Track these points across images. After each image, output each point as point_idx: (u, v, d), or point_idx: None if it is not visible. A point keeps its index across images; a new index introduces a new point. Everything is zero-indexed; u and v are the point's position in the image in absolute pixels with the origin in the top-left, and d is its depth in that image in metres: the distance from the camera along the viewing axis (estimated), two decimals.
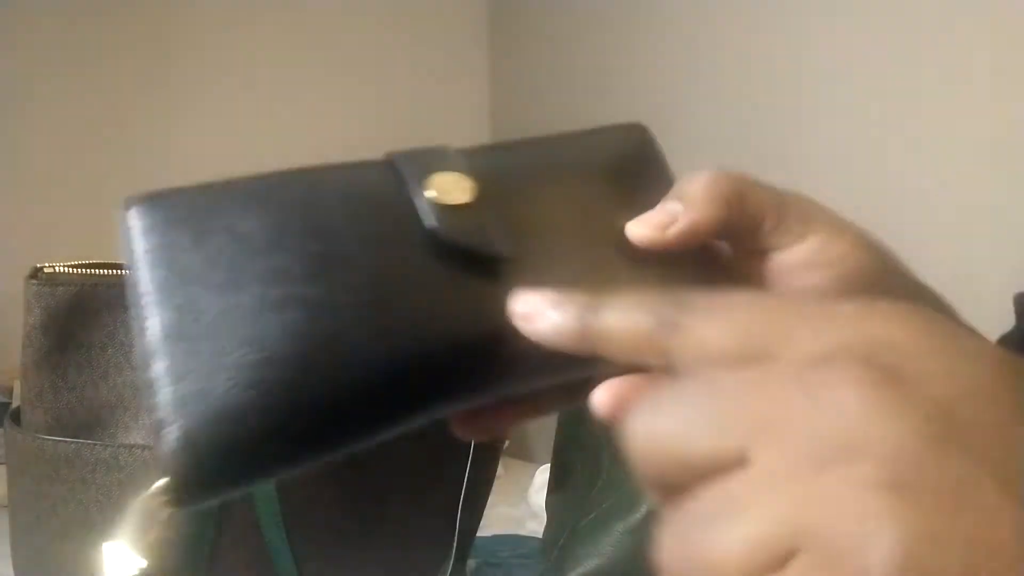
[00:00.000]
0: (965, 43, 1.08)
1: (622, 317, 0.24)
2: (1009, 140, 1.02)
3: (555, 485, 0.73)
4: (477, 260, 0.29)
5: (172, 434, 0.25)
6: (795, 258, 0.30)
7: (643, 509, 0.63)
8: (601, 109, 1.80)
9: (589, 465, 0.69)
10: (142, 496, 0.28)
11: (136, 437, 0.56)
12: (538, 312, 0.26)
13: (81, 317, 0.55)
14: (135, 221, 0.29)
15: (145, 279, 0.28)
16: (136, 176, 1.77)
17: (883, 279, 0.31)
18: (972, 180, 1.04)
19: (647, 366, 0.24)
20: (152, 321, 0.28)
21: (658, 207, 0.31)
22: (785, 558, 0.16)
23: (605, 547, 0.63)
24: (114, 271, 0.57)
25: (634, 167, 0.36)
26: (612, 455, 0.67)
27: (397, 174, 0.31)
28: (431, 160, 0.31)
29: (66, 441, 0.55)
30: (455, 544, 0.70)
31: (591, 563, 0.64)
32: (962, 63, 1.09)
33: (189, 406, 0.26)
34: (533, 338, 0.26)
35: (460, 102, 2.22)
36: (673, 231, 0.30)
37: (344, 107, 2.04)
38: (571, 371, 0.30)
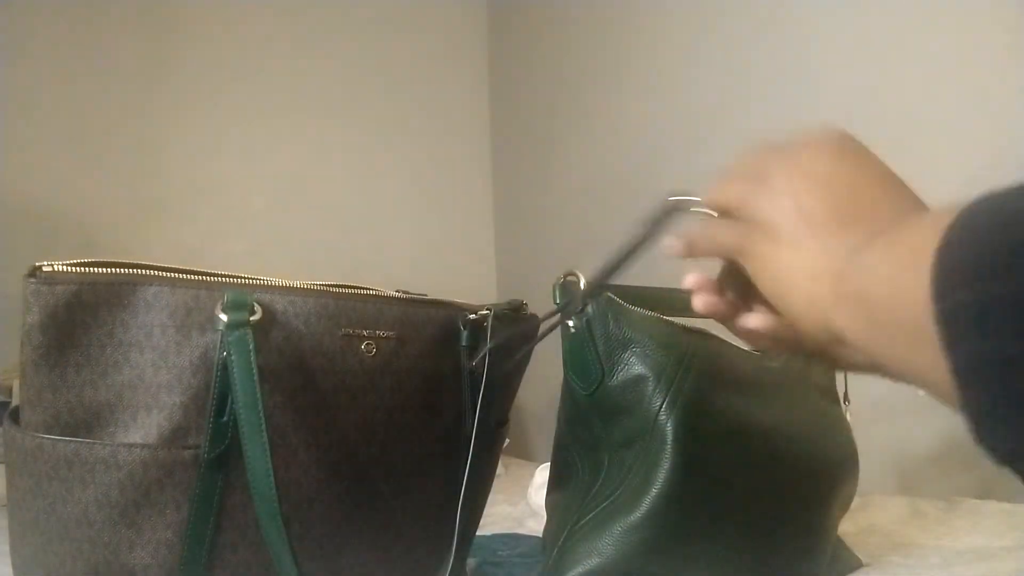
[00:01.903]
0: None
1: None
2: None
3: (555, 484, 0.73)
4: None
5: None
6: None
7: (643, 508, 0.63)
8: (600, 122, 1.80)
9: (590, 463, 0.69)
10: None
11: (135, 436, 0.56)
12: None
13: (80, 316, 0.55)
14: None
15: None
16: (136, 176, 1.77)
17: None
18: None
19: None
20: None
21: None
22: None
23: (605, 546, 0.63)
24: (113, 270, 0.57)
25: None
26: (612, 452, 0.67)
27: None
28: None
29: (65, 440, 0.55)
30: (455, 543, 0.70)
31: (591, 562, 0.64)
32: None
33: None
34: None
35: (460, 98, 2.21)
36: None
37: (345, 109, 2.03)
38: None
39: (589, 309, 0.67)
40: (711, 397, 0.67)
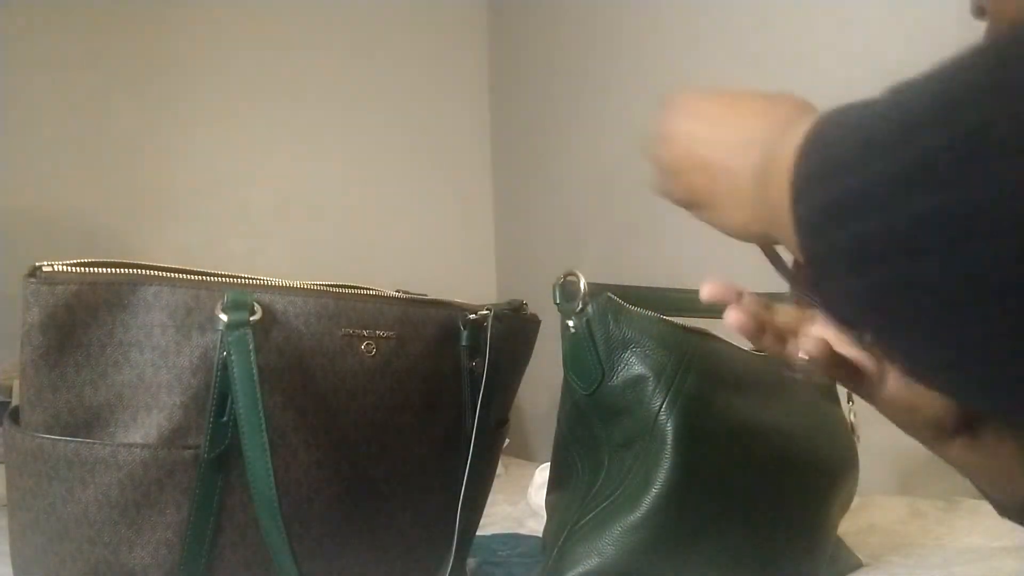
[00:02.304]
0: None
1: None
2: None
3: (555, 484, 0.73)
4: None
5: None
6: None
7: (643, 508, 0.63)
8: (596, 113, 1.80)
9: (590, 463, 0.69)
10: None
11: (135, 436, 0.56)
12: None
13: (80, 316, 0.55)
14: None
15: None
16: (136, 176, 1.77)
17: None
18: None
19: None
20: None
21: None
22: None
23: (605, 546, 0.63)
24: (113, 270, 0.57)
25: None
26: (612, 452, 0.67)
27: None
28: None
29: (65, 440, 0.55)
30: (455, 543, 0.70)
31: (591, 562, 0.64)
32: None
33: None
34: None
35: (460, 98, 2.21)
36: None
37: (345, 109, 2.03)
38: None
39: (589, 309, 0.68)
40: (711, 397, 0.67)
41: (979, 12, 0.50)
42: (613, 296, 0.68)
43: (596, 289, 0.68)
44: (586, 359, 0.67)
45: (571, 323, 0.68)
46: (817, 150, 0.30)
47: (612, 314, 0.67)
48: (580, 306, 0.68)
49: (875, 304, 0.27)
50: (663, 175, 0.47)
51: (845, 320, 0.31)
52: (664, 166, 0.47)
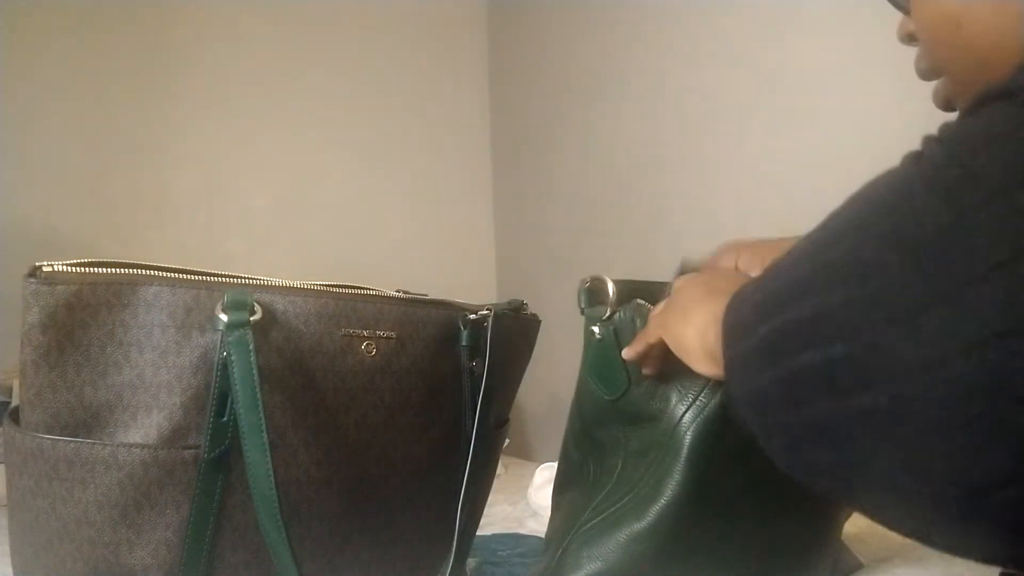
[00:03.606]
0: None
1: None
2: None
3: (563, 482, 0.72)
4: None
5: None
6: None
7: (650, 517, 0.62)
8: (594, 115, 1.80)
9: (602, 465, 0.68)
10: None
11: (135, 436, 0.56)
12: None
13: (80, 316, 0.55)
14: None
15: None
16: (136, 176, 1.77)
17: None
18: None
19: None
20: None
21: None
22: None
23: (609, 552, 0.63)
24: (113, 270, 0.57)
25: None
26: (627, 457, 0.66)
27: None
28: None
29: (65, 440, 0.55)
30: (455, 543, 0.70)
31: (593, 566, 0.63)
32: None
33: None
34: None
35: (460, 98, 2.21)
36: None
37: (345, 110, 2.03)
38: None
39: (616, 316, 0.66)
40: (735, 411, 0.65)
41: (908, 39, 0.51)
42: (643, 302, 0.66)
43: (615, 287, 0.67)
44: (612, 366, 0.66)
45: (597, 329, 0.67)
46: (728, 319, 0.43)
47: (641, 320, 0.65)
48: (608, 313, 0.66)
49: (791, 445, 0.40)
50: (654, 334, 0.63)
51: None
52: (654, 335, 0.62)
